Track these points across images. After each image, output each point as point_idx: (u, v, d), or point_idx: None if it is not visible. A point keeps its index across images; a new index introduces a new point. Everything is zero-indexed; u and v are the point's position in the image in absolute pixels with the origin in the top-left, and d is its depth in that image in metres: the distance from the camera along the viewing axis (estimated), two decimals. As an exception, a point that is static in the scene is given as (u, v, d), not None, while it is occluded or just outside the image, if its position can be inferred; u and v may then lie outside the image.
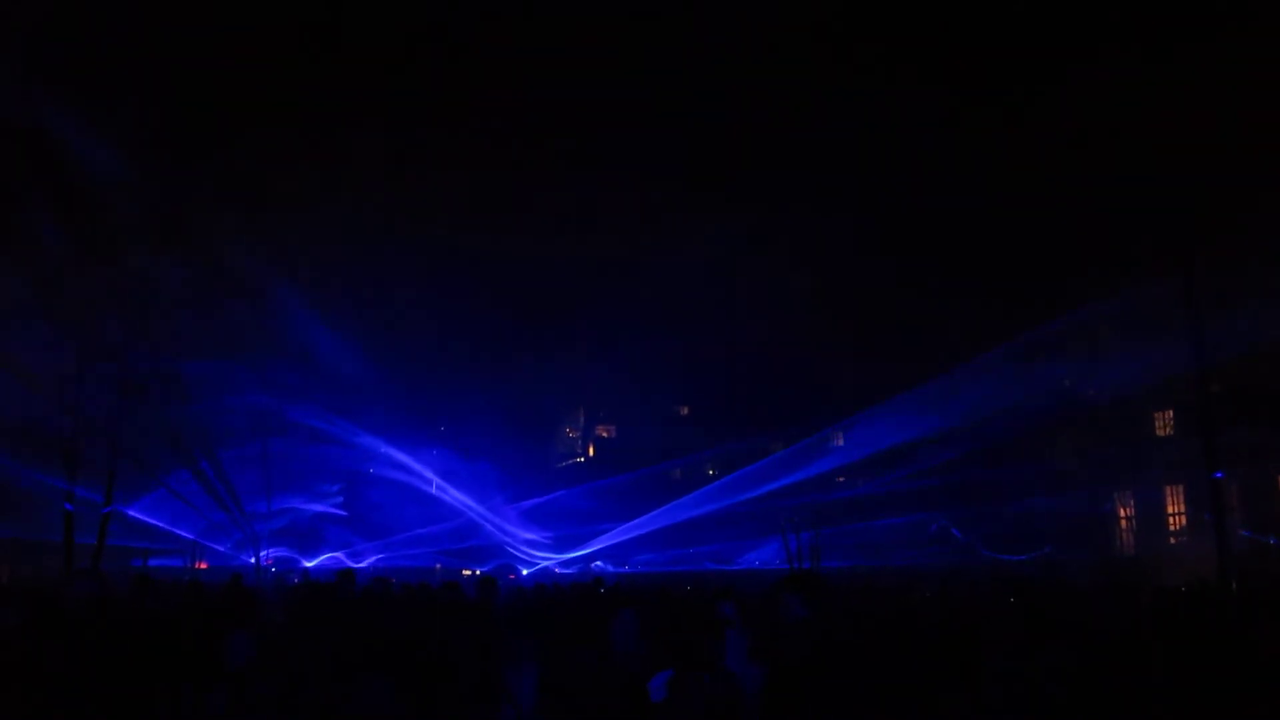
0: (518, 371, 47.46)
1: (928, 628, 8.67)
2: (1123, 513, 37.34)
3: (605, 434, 59.70)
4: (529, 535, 44.76)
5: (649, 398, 53.72)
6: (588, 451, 58.91)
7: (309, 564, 38.90)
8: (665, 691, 4.85)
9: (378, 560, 41.81)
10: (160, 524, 33.42)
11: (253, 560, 33.87)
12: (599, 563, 42.82)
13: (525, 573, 39.72)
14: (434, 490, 44.43)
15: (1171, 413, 35.42)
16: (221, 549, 37.21)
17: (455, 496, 43.69)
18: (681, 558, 40.47)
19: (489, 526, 43.65)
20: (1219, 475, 20.61)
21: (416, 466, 44.05)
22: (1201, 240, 24.77)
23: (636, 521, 41.80)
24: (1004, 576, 23.18)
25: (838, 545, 36.95)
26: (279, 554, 39.76)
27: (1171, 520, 35.40)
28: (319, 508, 43.49)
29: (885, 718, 6.62)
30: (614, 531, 42.60)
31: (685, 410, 55.65)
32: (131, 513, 31.01)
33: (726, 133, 49.38)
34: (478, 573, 37.92)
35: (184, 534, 35.10)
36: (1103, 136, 34.22)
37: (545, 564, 42.75)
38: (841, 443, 46.70)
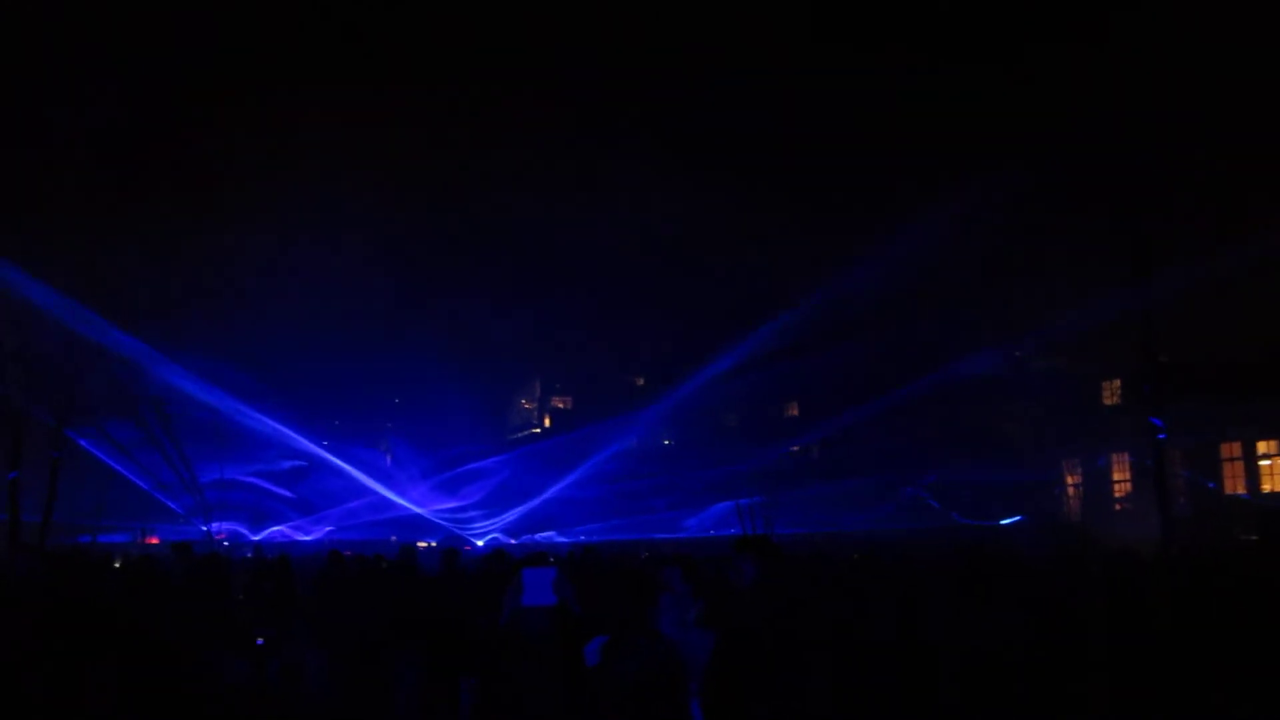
0: (473, 342, 47.23)
1: (878, 593, 8.78)
2: (1070, 480, 38.06)
3: (562, 405, 59.60)
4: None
5: (606, 369, 53.74)
6: (544, 423, 58.80)
7: (256, 538, 38.52)
8: (599, 656, 4.82)
9: (328, 534, 41.51)
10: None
11: (205, 531, 33.53)
12: (550, 533, 42.79)
13: (480, 544, 39.63)
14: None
15: (1119, 382, 36.09)
16: (167, 529, 36.75)
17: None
18: (635, 526, 40.51)
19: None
20: (1162, 437, 21.05)
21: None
22: (1152, 216, 25.19)
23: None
24: (956, 542, 23.53)
25: (794, 511, 37.26)
26: (227, 528, 39.39)
27: (1117, 487, 36.16)
28: (262, 483, 43.13)
29: (836, 681, 6.71)
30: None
31: (641, 381, 55.68)
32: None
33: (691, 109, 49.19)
34: (432, 545, 37.79)
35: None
36: (1058, 109, 34.57)
37: (494, 535, 42.66)
38: (797, 412, 47.12)
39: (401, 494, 43.93)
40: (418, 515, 43.42)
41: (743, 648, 5.37)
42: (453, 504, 45.08)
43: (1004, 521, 34.67)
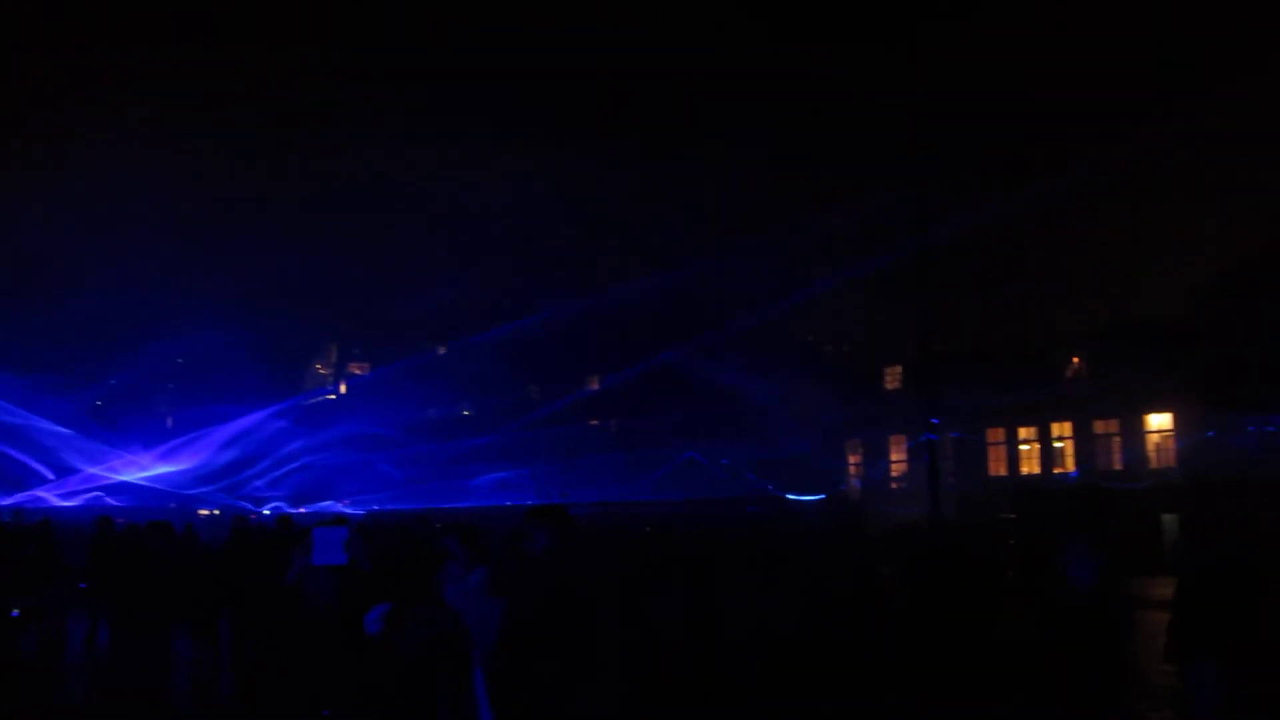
0: (266, 303, 45.27)
1: (668, 565, 9.02)
2: (852, 459, 40.10)
3: (359, 371, 58.00)
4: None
5: (405, 336, 52.58)
6: (339, 389, 57.06)
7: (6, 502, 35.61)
8: (381, 625, 4.75)
9: (93, 499, 38.69)
10: None
11: None
12: (329, 502, 41.49)
13: (266, 512, 38.06)
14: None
15: (900, 369, 38.28)
16: None
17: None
18: (430, 495, 39.89)
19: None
20: (935, 421, 22.50)
21: None
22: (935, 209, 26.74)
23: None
24: (744, 515, 24.41)
25: (590, 481, 37.69)
26: None
27: (894, 467, 38.42)
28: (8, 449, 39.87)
29: (626, 651, 6.87)
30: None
31: (443, 350, 54.83)
32: None
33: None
34: (215, 513, 36.06)
35: None
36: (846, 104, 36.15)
37: (277, 504, 41.05)
38: (597, 385, 47.60)
39: (172, 459, 41.52)
40: (194, 480, 41.16)
41: (531, 616, 5.40)
42: (223, 471, 42.77)
43: (792, 496, 36.15)
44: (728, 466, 38.76)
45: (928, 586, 7.36)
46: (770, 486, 36.83)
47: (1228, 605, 5.76)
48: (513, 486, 40.69)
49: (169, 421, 48.10)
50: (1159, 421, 33.14)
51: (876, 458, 38.92)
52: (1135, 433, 33.35)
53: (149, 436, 42.68)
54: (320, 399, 55.32)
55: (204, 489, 40.97)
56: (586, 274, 39.13)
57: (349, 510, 38.69)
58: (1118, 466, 32.94)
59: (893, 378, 38.87)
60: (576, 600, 5.18)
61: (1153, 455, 32.95)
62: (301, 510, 39.11)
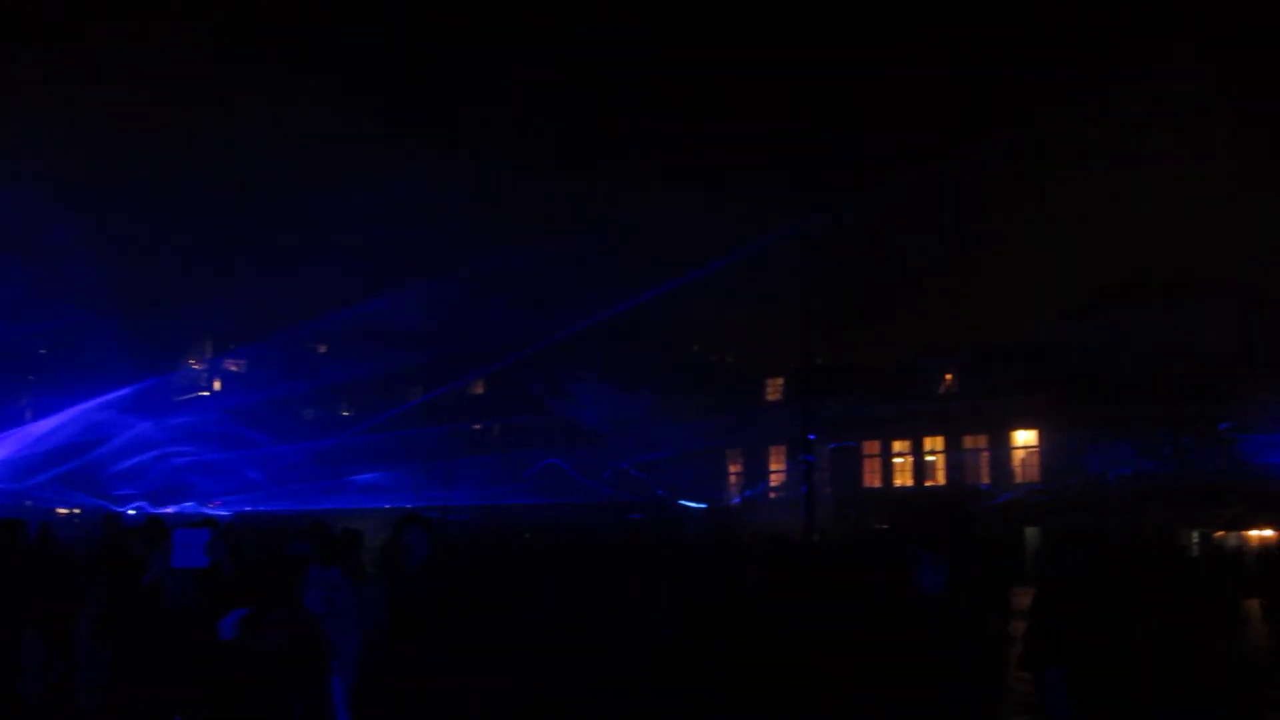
0: (137, 292, 43.40)
1: (544, 573, 8.97)
2: (733, 468, 40.56)
3: (235, 368, 56.10)
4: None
5: (285, 332, 51.06)
6: (213, 385, 55.08)
7: None
8: (236, 630, 4.56)
9: None
10: None
11: None
12: (190, 503, 39.99)
13: (132, 512, 36.44)
14: None
15: (781, 380, 38.94)
16: None
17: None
18: (300, 497, 38.75)
19: None
20: (812, 436, 22.98)
21: None
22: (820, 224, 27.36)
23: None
24: (623, 522, 24.46)
25: (470, 485, 37.34)
26: None
27: (773, 477, 39.03)
28: None
29: (499, 661, 6.78)
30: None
31: (324, 349, 53.45)
32: None
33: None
34: (76, 511, 34.44)
35: None
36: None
37: (139, 503, 39.38)
38: (482, 390, 47.09)
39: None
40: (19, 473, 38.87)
41: (407, 627, 5.30)
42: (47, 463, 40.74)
43: (684, 503, 36.32)
44: (620, 471, 38.71)
45: (783, 592, 7.47)
46: (660, 491, 36.97)
47: (1080, 614, 5.98)
48: (385, 489, 39.91)
49: (28, 414, 45.75)
50: (1025, 438, 34.52)
51: (757, 467, 39.47)
52: (1002, 447, 34.66)
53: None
54: (192, 395, 53.36)
55: (29, 483, 38.77)
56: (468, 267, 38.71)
57: (219, 512, 37.33)
58: (986, 480, 34.16)
59: (774, 389, 39.50)
60: (452, 609, 5.10)
61: (1018, 470, 34.29)
62: (169, 511, 37.59)
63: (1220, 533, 23.44)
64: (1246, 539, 23.31)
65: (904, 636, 4.89)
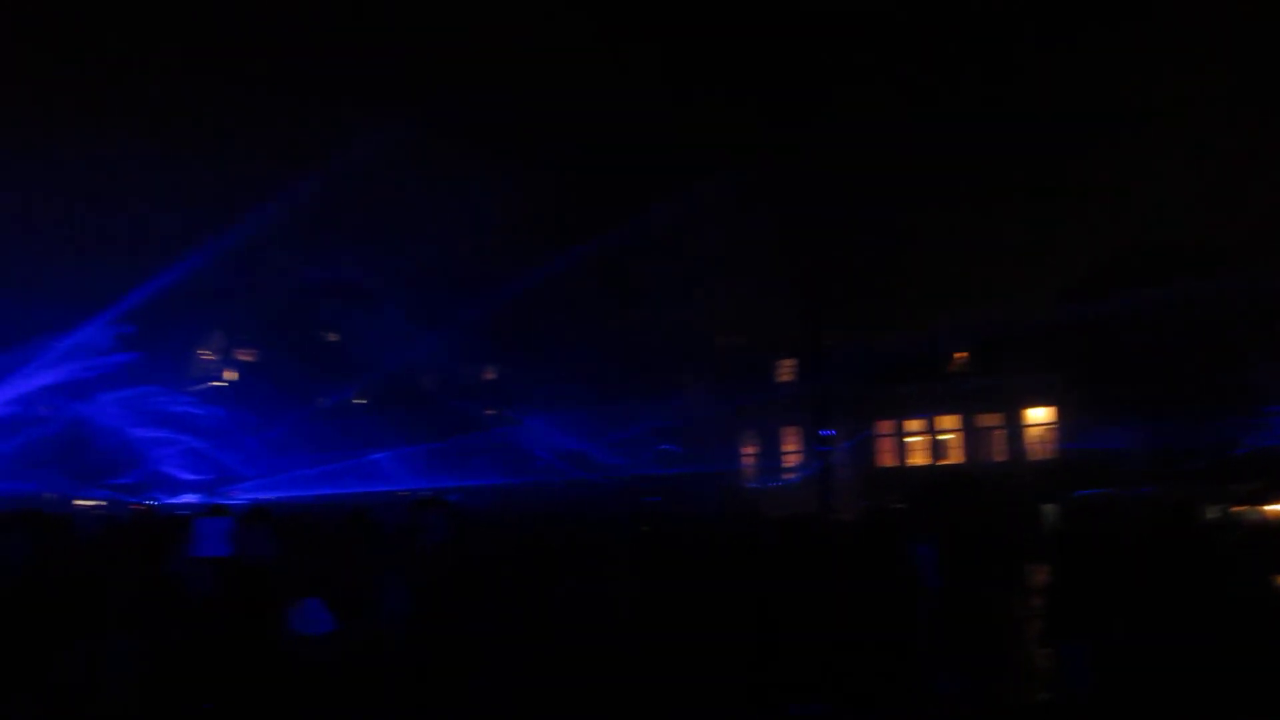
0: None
1: (558, 551, 8.96)
2: (747, 449, 40.53)
3: (248, 358, 56.28)
4: None
5: (297, 323, 51.23)
6: (223, 376, 55.29)
7: None
8: (329, 625, 4.60)
9: None
10: None
11: None
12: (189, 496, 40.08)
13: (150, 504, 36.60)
14: None
15: (793, 361, 38.87)
16: None
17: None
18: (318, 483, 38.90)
19: None
20: (828, 433, 22.97)
21: None
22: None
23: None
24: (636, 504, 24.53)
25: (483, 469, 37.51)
26: None
27: (787, 458, 39.01)
28: None
29: (522, 638, 6.81)
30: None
31: (334, 337, 53.56)
32: None
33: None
34: (102, 504, 34.63)
35: None
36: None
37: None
38: (494, 376, 47.21)
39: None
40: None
41: (431, 603, 5.33)
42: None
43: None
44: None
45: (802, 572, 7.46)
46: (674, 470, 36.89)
47: (1098, 589, 6.00)
48: (391, 473, 39.86)
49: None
50: (1040, 415, 34.44)
51: (770, 449, 39.45)
52: (1017, 425, 34.61)
53: None
54: (206, 386, 53.56)
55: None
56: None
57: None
58: (1001, 459, 34.11)
59: (786, 370, 39.43)
60: (474, 590, 5.13)
61: (1034, 447, 34.23)
62: (184, 500, 37.73)
63: (1239, 507, 23.37)
64: (1266, 514, 23.24)
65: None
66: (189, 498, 38.34)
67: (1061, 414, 33.59)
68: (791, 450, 38.91)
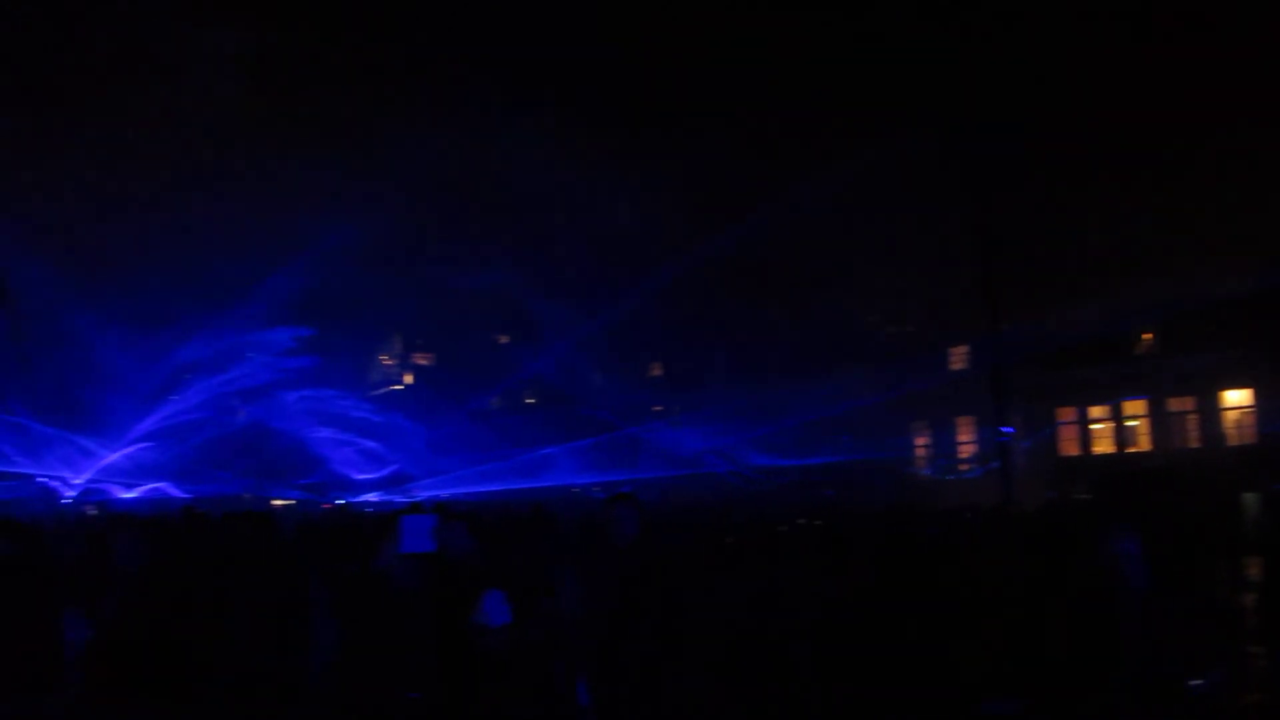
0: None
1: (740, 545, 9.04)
2: (919, 441, 39.63)
3: (424, 362, 58.61)
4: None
5: (471, 326, 52.97)
6: (403, 379, 57.77)
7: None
8: (506, 618, 4.80)
9: (154, 490, 39.12)
10: None
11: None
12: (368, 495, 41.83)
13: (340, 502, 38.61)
14: None
15: (966, 348, 37.75)
16: None
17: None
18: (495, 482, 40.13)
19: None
20: (1009, 431, 22.22)
21: None
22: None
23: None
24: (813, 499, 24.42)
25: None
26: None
27: (962, 448, 37.93)
28: None
29: (707, 636, 6.91)
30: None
31: (505, 339, 55.18)
32: None
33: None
34: (292, 503, 36.76)
35: None
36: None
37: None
38: (660, 372, 47.69)
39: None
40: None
41: (620, 604, 5.45)
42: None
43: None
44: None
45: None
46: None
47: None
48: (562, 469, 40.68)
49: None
50: (1236, 398, 32.36)
51: (944, 439, 38.47)
52: (1212, 408, 32.62)
53: None
54: (387, 389, 56.08)
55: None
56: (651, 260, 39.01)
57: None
58: (1195, 444, 32.28)
59: (958, 358, 38.34)
60: (664, 587, 5.22)
61: (1231, 432, 32.21)
62: (373, 499, 39.63)
63: None
64: None
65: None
66: (371, 496, 40.27)
67: (1260, 395, 31.44)
68: (966, 440, 37.81)
